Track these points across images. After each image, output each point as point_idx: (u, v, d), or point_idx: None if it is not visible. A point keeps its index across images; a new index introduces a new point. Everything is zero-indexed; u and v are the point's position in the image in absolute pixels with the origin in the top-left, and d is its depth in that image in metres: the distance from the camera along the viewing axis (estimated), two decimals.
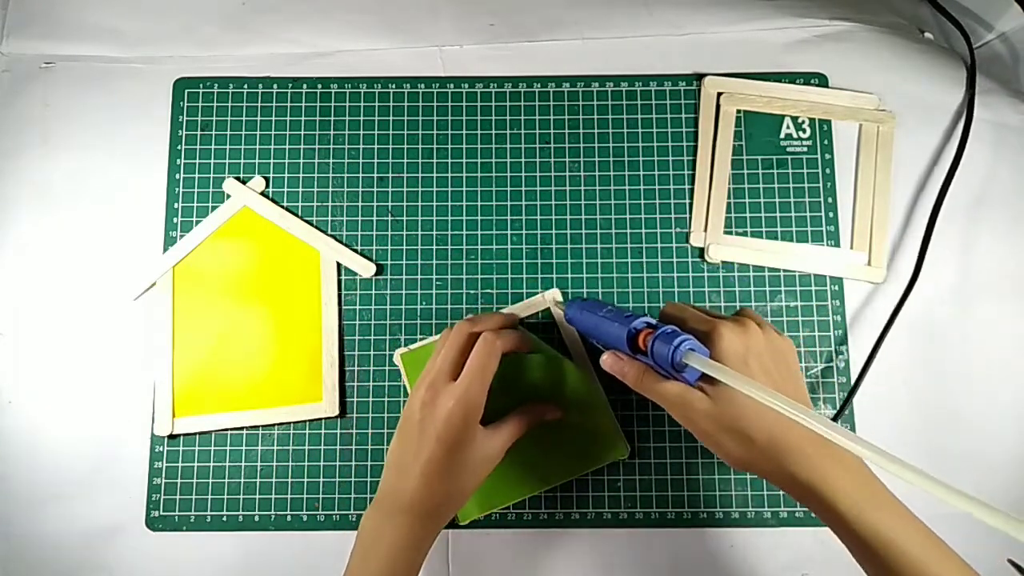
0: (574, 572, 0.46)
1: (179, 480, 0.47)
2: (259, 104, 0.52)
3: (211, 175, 0.51)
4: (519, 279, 0.49)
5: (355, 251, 0.49)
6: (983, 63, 0.52)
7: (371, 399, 0.48)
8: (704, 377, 0.35)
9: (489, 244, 0.50)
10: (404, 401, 0.48)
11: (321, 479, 0.47)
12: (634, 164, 0.51)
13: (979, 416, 0.47)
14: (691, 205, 0.50)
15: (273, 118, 0.51)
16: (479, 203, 0.50)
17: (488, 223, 0.50)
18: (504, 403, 0.43)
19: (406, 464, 0.39)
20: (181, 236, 0.50)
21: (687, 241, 0.50)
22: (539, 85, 0.52)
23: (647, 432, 0.47)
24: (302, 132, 0.51)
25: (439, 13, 0.53)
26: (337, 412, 0.47)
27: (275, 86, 0.52)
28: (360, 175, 0.51)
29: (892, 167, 0.50)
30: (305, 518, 0.47)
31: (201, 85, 0.52)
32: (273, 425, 0.47)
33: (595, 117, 0.51)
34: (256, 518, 0.47)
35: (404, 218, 0.50)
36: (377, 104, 0.52)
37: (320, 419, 0.47)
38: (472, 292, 0.49)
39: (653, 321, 0.37)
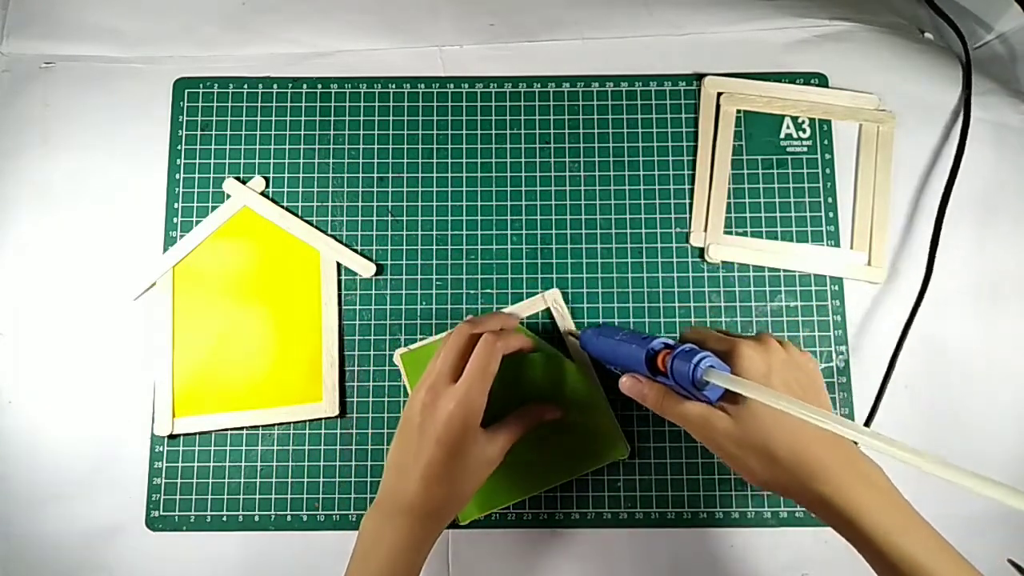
0: (574, 572, 0.46)
1: (179, 480, 0.47)
2: (259, 104, 0.52)
3: (211, 175, 0.51)
4: (519, 279, 0.49)
5: (355, 251, 0.49)
6: (983, 63, 0.53)
7: (371, 399, 0.48)
8: (726, 397, 0.35)
9: (489, 244, 0.50)
10: (404, 401, 0.48)
11: (321, 479, 0.47)
12: (634, 164, 0.51)
13: (980, 416, 0.47)
14: (691, 205, 0.50)
15: (273, 118, 0.51)
16: (479, 203, 0.50)
17: (488, 223, 0.50)
18: (504, 404, 0.43)
19: (406, 466, 0.39)
20: (181, 236, 0.50)
21: (687, 241, 0.50)
22: (539, 85, 0.52)
23: (647, 432, 0.47)
24: (302, 132, 0.51)
25: (439, 13, 0.53)
26: (337, 412, 0.47)
27: (275, 86, 0.52)
28: (360, 175, 0.51)
29: (892, 167, 0.50)
30: (305, 518, 0.47)
31: (201, 85, 0.52)
32: (273, 425, 0.47)
33: (595, 117, 0.51)
34: (256, 518, 0.47)
35: (404, 218, 0.50)
36: (377, 104, 0.52)
37: (320, 419, 0.47)
38: (472, 292, 0.49)
39: (671, 342, 0.36)
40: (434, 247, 0.50)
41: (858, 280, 0.49)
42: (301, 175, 0.51)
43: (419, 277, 0.49)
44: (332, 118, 0.51)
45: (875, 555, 0.32)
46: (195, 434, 0.47)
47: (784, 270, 0.49)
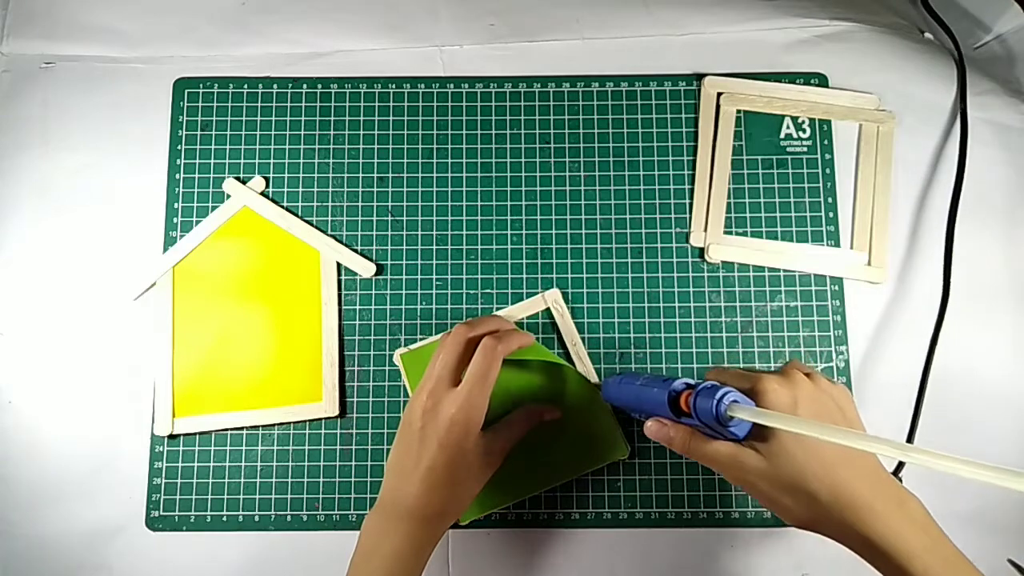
0: (574, 572, 0.46)
1: (179, 480, 0.47)
2: (259, 104, 0.52)
3: (211, 175, 0.51)
4: (519, 279, 0.49)
5: (355, 251, 0.49)
6: (982, 64, 0.53)
7: (371, 399, 0.48)
8: (755, 433, 0.33)
9: (489, 244, 0.50)
10: (404, 401, 0.48)
11: (321, 479, 0.47)
12: (634, 164, 0.51)
13: (981, 417, 0.47)
14: (691, 205, 0.50)
15: (273, 118, 0.51)
16: (479, 203, 0.50)
17: (488, 223, 0.50)
18: (504, 406, 0.43)
19: (407, 470, 0.39)
20: (181, 236, 0.50)
21: (687, 241, 0.50)
22: (539, 85, 0.52)
23: None
24: (302, 132, 0.51)
25: (439, 13, 0.53)
26: (337, 412, 0.47)
27: (275, 86, 0.52)
28: (360, 175, 0.51)
29: (892, 167, 0.50)
30: (305, 518, 0.47)
31: (201, 85, 0.52)
32: (273, 425, 0.47)
33: (595, 117, 0.51)
34: (256, 518, 0.47)
35: (404, 218, 0.50)
36: (377, 104, 0.52)
37: (320, 419, 0.47)
38: (472, 292, 0.49)
39: (692, 381, 0.35)
40: (434, 247, 0.50)
41: (858, 280, 0.49)
42: (301, 175, 0.51)
43: (419, 277, 0.49)
44: (332, 118, 0.51)
45: None
46: (195, 434, 0.47)
47: (784, 270, 0.49)
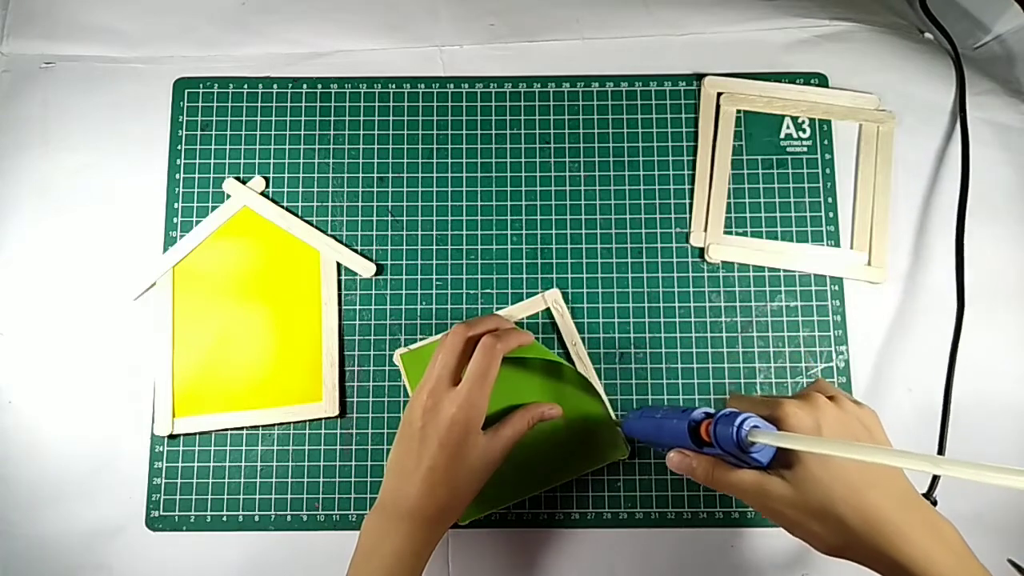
0: (574, 572, 0.46)
1: (179, 480, 0.47)
2: (259, 104, 0.52)
3: (211, 175, 0.51)
4: (519, 279, 0.49)
5: (355, 251, 0.49)
6: (981, 64, 0.53)
7: (371, 399, 0.48)
8: (779, 460, 0.32)
9: (489, 244, 0.50)
10: (404, 401, 0.48)
11: (321, 479, 0.47)
12: (634, 164, 0.51)
13: (981, 417, 0.47)
14: (691, 205, 0.50)
15: (273, 118, 0.51)
16: (479, 203, 0.50)
17: (488, 223, 0.50)
18: (504, 405, 0.43)
19: (408, 471, 0.39)
20: (181, 236, 0.50)
21: (687, 241, 0.50)
22: (539, 85, 0.52)
23: None
24: (302, 132, 0.51)
25: (439, 13, 0.53)
26: (337, 412, 0.47)
27: (275, 86, 0.52)
28: (360, 175, 0.51)
29: (892, 167, 0.50)
30: (305, 518, 0.47)
31: (201, 85, 0.52)
32: (273, 425, 0.47)
33: (595, 117, 0.51)
34: (256, 518, 0.47)
35: (404, 218, 0.50)
36: (377, 104, 0.52)
37: (320, 419, 0.47)
38: (472, 292, 0.49)
39: (712, 410, 0.34)
40: (434, 247, 0.50)
41: (858, 280, 0.49)
42: (301, 175, 0.51)
43: (419, 277, 0.49)
44: (332, 118, 0.51)
45: None
46: (195, 434, 0.47)
47: (784, 270, 0.49)
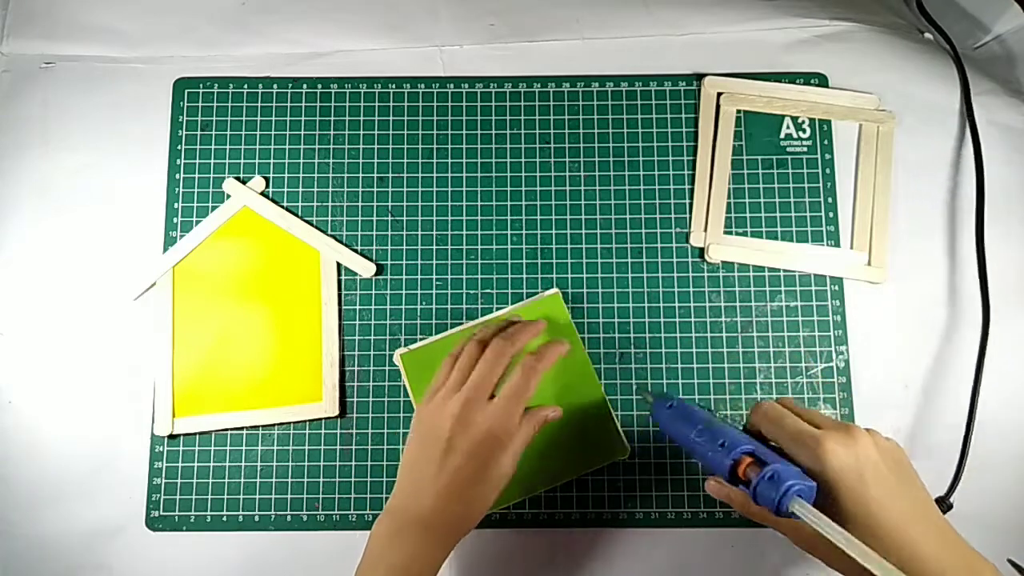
0: (573, 572, 0.46)
1: (179, 480, 0.47)
2: (259, 104, 0.52)
3: (211, 175, 0.51)
4: (519, 279, 0.49)
5: (355, 251, 0.49)
6: (982, 64, 0.53)
7: (371, 399, 0.48)
8: (817, 501, 0.32)
9: (489, 244, 0.50)
10: (405, 402, 0.48)
11: (321, 479, 0.47)
12: (634, 164, 0.51)
13: (980, 416, 0.47)
14: (691, 205, 0.50)
15: (273, 118, 0.51)
16: (479, 203, 0.50)
17: (488, 223, 0.50)
18: None
19: (426, 477, 0.38)
20: (181, 236, 0.50)
21: (687, 241, 0.50)
22: (539, 85, 0.52)
23: (647, 432, 0.47)
24: (302, 132, 0.51)
25: (439, 13, 0.53)
26: (337, 412, 0.47)
27: (275, 86, 0.52)
28: (360, 175, 0.51)
29: (892, 167, 0.50)
30: (305, 518, 0.47)
31: (201, 85, 0.52)
32: (273, 425, 0.47)
33: (595, 117, 0.51)
34: (256, 518, 0.47)
35: (404, 218, 0.50)
36: (377, 104, 0.52)
37: (320, 419, 0.47)
38: (472, 292, 0.49)
39: (751, 447, 0.34)
40: (434, 247, 0.50)
41: (858, 280, 0.49)
42: (301, 175, 0.51)
43: (419, 277, 0.49)
44: (332, 118, 0.51)
45: None
46: (195, 434, 0.47)
47: (784, 270, 0.49)
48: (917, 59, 0.52)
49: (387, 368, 0.48)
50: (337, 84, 0.52)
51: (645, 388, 0.46)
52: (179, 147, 0.51)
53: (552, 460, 0.46)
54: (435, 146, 0.51)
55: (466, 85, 0.52)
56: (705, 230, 0.50)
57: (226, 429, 0.47)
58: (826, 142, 0.51)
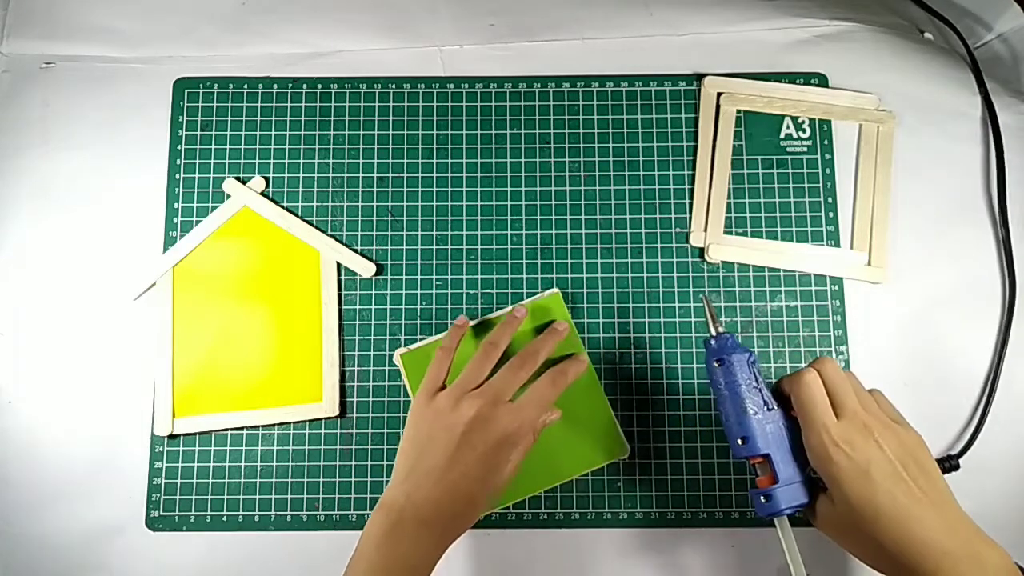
0: (575, 572, 0.46)
1: (179, 480, 0.47)
2: (259, 104, 0.52)
3: (211, 175, 0.51)
4: (519, 279, 0.49)
5: (355, 251, 0.49)
6: (983, 63, 0.52)
7: (371, 399, 0.48)
8: (822, 485, 0.36)
9: (489, 244, 0.50)
10: (405, 402, 0.48)
11: (321, 479, 0.47)
12: (634, 164, 0.51)
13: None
14: (691, 205, 0.50)
15: (273, 118, 0.51)
16: (479, 203, 0.50)
17: (488, 223, 0.50)
18: None
19: (436, 470, 0.38)
20: (181, 236, 0.50)
21: (687, 241, 0.50)
22: (539, 85, 0.52)
23: (647, 432, 0.47)
24: (302, 132, 0.51)
25: (439, 13, 0.53)
26: (337, 412, 0.47)
27: (275, 86, 0.52)
28: (360, 175, 0.51)
29: (892, 167, 0.50)
30: (305, 518, 0.47)
31: (201, 85, 0.52)
32: (273, 425, 0.47)
33: (595, 117, 0.51)
34: (256, 518, 0.47)
35: (404, 218, 0.50)
36: (377, 104, 0.52)
37: (320, 419, 0.47)
38: (472, 292, 0.49)
39: (768, 452, 0.36)
40: (434, 247, 0.50)
41: (858, 280, 0.49)
42: (301, 175, 0.51)
43: (419, 277, 0.49)
44: (332, 118, 0.51)
45: None
46: (195, 434, 0.47)
47: (784, 270, 0.49)
48: (917, 59, 0.52)
49: (387, 368, 0.48)
50: (337, 84, 0.52)
51: (706, 295, 0.47)
52: (179, 147, 0.51)
53: (552, 460, 0.46)
54: (435, 146, 0.51)
55: (466, 85, 0.52)
56: (705, 230, 0.49)
57: (226, 429, 0.47)
58: (826, 142, 0.51)
